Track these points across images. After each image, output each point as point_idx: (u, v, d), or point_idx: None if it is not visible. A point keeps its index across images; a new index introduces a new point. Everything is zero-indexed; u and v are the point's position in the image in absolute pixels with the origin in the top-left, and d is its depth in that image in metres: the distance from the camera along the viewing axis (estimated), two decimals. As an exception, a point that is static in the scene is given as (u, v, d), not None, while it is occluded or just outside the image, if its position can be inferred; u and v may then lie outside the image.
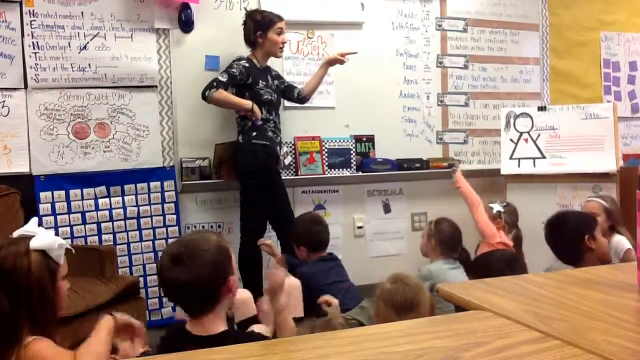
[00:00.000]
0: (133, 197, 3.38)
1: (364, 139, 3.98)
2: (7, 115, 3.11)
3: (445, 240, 2.89)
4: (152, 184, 3.41)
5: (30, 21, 3.15)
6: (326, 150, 3.81)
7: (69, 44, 3.23)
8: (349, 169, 3.86)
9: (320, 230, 2.97)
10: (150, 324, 3.11)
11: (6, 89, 3.11)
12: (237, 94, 3.30)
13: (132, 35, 3.36)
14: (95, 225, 3.29)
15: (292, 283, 2.38)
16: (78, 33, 3.25)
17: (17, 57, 3.13)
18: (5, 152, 3.11)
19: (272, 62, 3.51)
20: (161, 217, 3.43)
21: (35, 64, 3.16)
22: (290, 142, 3.75)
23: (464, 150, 4.33)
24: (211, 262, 1.56)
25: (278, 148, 3.42)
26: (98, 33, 3.29)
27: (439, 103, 4.26)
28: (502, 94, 4.45)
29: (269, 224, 3.44)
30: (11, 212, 2.91)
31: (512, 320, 0.77)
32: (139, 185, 3.39)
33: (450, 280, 2.59)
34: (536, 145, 4.00)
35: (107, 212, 3.31)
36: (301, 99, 3.60)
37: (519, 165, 4.02)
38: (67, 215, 3.23)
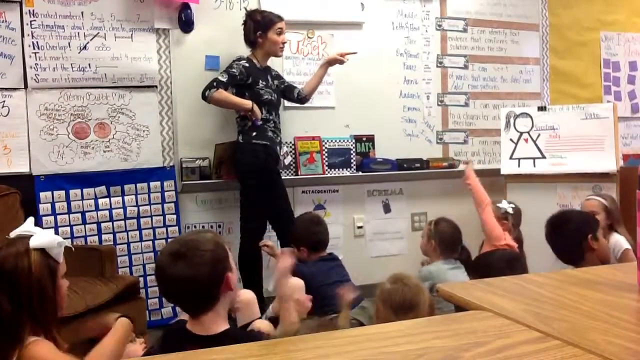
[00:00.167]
0: (133, 197, 3.38)
1: (364, 139, 3.98)
2: (7, 115, 3.11)
3: (445, 241, 2.88)
4: (152, 184, 3.41)
5: (30, 21, 3.16)
6: (326, 150, 3.81)
7: (69, 44, 3.23)
8: (349, 169, 3.86)
9: (319, 231, 2.97)
10: (150, 324, 3.12)
11: (6, 89, 3.11)
12: (237, 94, 3.30)
13: (132, 35, 3.36)
14: (95, 225, 3.29)
15: (296, 284, 2.37)
16: (78, 33, 3.25)
17: (17, 57, 3.13)
18: (5, 152, 3.11)
19: (272, 62, 3.52)
20: (161, 217, 3.43)
21: (35, 64, 3.16)
22: (290, 142, 3.75)
23: (464, 150, 4.33)
24: (209, 260, 1.56)
25: (278, 148, 3.42)
26: (98, 33, 3.29)
27: (439, 103, 4.26)
28: (502, 94, 4.46)
29: (269, 224, 3.44)
30: (11, 212, 2.91)
31: (512, 320, 0.77)
32: (139, 185, 3.39)
33: (450, 281, 2.58)
34: (536, 145, 4.00)
35: (107, 212, 3.31)
36: (301, 99, 3.60)
37: (519, 165, 4.02)
38: (67, 215, 3.23)
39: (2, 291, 1.54)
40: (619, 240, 2.75)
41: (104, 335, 1.67)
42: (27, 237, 1.60)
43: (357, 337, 0.76)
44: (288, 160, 3.75)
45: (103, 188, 3.31)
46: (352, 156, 3.88)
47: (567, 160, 3.88)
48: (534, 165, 3.97)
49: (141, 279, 3.24)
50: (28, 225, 1.64)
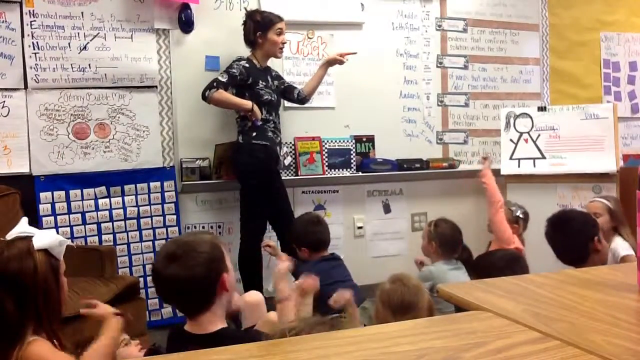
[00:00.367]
0: (133, 197, 3.38)
1: (364, 139, 3.98)
2: (7, 115, 3.11)
3: (446, 242, 2.87)
4: (152, 184, 3.41)
5: (31, 21, 3.15)
6: (326, 150, 3.81)
7: (69, 44, 3.23)
8: (349, 169, 3.86)
9: (319, 230, 2.96)
10: (150, 325, 3.12)
11: (6, 89, 3.11)
12: (237, 94, 3.30)
13: (132, 35, 3.36)
14: (95, 225, 3.29)
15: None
16: (78, 33, 3.25)
17: (17, 58, 3.13)
18: (5, 153, 3.11)
19: (272, 63, 3.52)
20: (161, 218, 3.43)
21: (35, 64, 3.16)
22: (290, 143, 3.75)
23: (464, 151, 4.33)
24: (206, 260, 1.57)
25: (278, 148, 3.42)
26: (98, 33, 3.29)
27: (439, 103, 4.26)
28: (502, 94, 4.46)
29: (269, 224, 3.44)
30: (11, 213, 2.91)
31: (512, 321, 0.77)
32: (139, 185, 3.39)
33: (451, 281, 2.58)
34: (536, 145, 4.00)
35: (107, 213, 3.31)
36: (301, 99, 3.60)
37: (519, 166, 4.02)
38: (67, 216, 3.23)
39: (8, 293, 1.54)
40: (620, 245, 2.72)
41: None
42: (27, 238, 1.60)
43: (357, 337, 0.76)
44: (288, 160, 3.75)
45: (103, 188, 3.31)
46: (352, 156, 3.88)
47: (567, 160, 3.88)
48: (534, 166, 3.97)
49: (141, 279, 3.24)
50: (23, 226, 1.64)
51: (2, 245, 1.59)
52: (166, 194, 3.44)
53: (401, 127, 4.13)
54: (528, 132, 4.04)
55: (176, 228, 3.45)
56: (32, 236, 1.60)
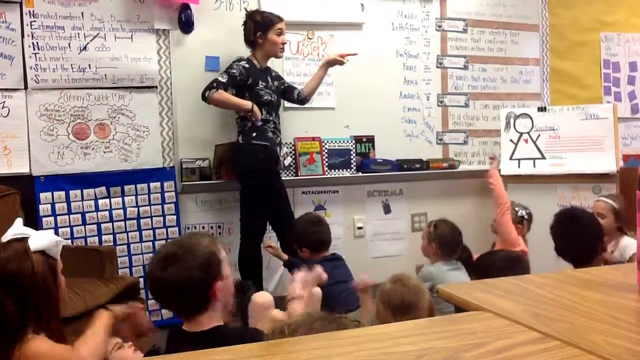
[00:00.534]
0: (133, 197, 3.38)
1: (364, 140, 3.98)
2: (7, 115, 3.11)
3: (446, 243, 2.86)
4: (152, 184, 3.41)
5: (31, 22, 3.16)
6: (326, 150, 3.81)
7: (69, 44, 3.23)
8: (349, 170, 3.86)
9: (320, 231, 2.96)
10: (150, 325, 3.11)
11: (6, 89, 3.11)
12: (237, 95, 3.30)
13: (132, 35, 3.37)
14: (95, 225, 3.29)
15: (315, 292, 2.36)
16: (78, 34, 3.25)
17: (17, 58, 3.13)
18: (5, 153, 3.11)
19: (272, 63, 3.52)
20: (161, 218, 3.43)
21: (36, 64, 3.16)
22: (290, 143, 3.75)
23: (464, 151, 4.33)
24: (200, 264, 1.56)
25: (278, 149, 3.42)
26: (98, 34, 3.29)
27: (439, 104, 4.27)
28: (502, 94, 4.46)
29: (269, 224, 3.44)
30: (11, 213, 2.90)
31: (512, 321, 0.77)
32: (139, 185, 3.39)
33: (450, 281, 2.58)
34: (536, 145, 4.00)
35: (107, 213, 3.31)
36: (301, 99, 3.60)
37: (519, 166, 4.02)
38: (67, 216, 3.23)
39: (8, 294, 1.54)
40: (631, 244, 2.65)
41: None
42: (23, 239, 1.60)
43: (358, 337, 0.76)
44: (288, 161, 3.75)
45: (103, 189, 3.31)
46: (352, 157, 3.88)
47: (567, 160, 3.88)
48: (534, 166, 3.97)
49: (141, 279, 3.23)
50: (20, 227, 1.65)
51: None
52: (166, 194, 3.44)
53: (401, 128, 4.14)
54: (528, 133, 4.04)
55: (176, 228, 3.45)
56: (28, 237, 1.60)
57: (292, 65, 3.81)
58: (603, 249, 2.45)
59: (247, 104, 3.25)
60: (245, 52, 3.41)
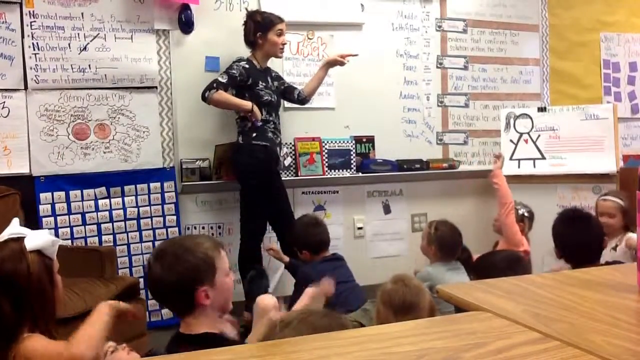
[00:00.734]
0: (133, 198, 3.38)
1: (364, 140, 3.98)
2: (7, 116, 3.11)
3: (445, 245, 2.85)
4: (152, 184, 3.41)
5: (31, 22, 3.16)
6: (326, 151, 3.81)
7: (69, 44, 3.23)
8: (349, 170, 3.86)
9: (319, 232, 2.96)
10: (150, 325, 3.11)
11: (6, 90, 3.11)
12: (237, 95, 3.30)
13: (132, 36, 3.37)
14: (95, 226, 3.29)
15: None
16: (78, 34, 3.25)
17: (17, 58, 3.13)
18: (5, 153, 3.11)
19: (272, 63, 3.52)
20: (161, 218, 3.43)
21: (36, 64, 3.16)
22: (290, 143, 3.75)
23: (464, 151, 4.33)
24: (185, 268, 1.55)
25: (278, 149, 3.42)
26: (98, 34, 3.29)
27: (439, 104, 4.27)
28: (502, 94, 4.46)
29: (269, 224, 3.44)
30: (11, 213, 2.90)
31: (512, 321, 0.77)
32: (139, 186, 3.39)
33: (449, 282, 2.58)
34: (536, 146, 4.00)
35: (107, 213, 3.31)
36: (301, 100, 3.60)
37: (519, 166, 4.02)
38: (67, 216, 3.23)
39: (4, 294, 1.54)
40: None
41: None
42: (19, 239, 1.60)
43: (358, 337, 0.76)
44: (288, 161, 3.75)
45: (103, 189, 3.31)
46: (352, 157, 3.88)
47: (567, 161, 3.88)
48: (534, 166, 3.98)
49: (141, 279, 3.23)
50: (16, 227, 1.65)
51: None
52: (166, 194, 3.44)
53: (401, 128, 4.13)
54: (528, 133, 4.04)
55: (176, 229, 3.45)
56: (24, 237, 1.60)
57: (292, 66, 3.81)
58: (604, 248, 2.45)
59: (247, 104, 3.25)
60: (245, 52, 3.41)
